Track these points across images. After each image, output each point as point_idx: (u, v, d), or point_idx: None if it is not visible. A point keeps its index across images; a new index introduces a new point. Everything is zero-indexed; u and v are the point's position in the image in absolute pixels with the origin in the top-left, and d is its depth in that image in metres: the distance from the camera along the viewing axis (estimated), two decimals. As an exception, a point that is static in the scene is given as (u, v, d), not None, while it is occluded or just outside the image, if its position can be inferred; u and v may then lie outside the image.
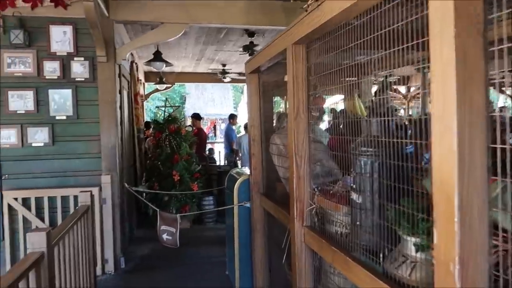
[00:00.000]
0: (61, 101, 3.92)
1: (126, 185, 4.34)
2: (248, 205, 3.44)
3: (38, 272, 1.78)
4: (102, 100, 3.99)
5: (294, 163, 2.13)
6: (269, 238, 3.20)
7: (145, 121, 8.15)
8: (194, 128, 7.54)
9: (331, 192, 2.03)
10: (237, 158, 7.44)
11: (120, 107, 4.44)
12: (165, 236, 3.93)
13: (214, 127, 20.75)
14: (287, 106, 2.24)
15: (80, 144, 3.98)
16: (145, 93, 9.90)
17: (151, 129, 6.68)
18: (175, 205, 5.65)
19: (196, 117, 7.75)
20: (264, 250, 3.27)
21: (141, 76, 9.09)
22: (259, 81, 3.24)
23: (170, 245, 3.83)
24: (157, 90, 9.73)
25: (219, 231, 5.65)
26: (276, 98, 3.15)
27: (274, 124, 3.15)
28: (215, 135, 19.58)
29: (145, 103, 10.06)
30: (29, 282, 1.67)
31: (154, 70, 9.48)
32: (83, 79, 3.95)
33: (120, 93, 4.42)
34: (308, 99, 2.12)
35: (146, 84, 9.94)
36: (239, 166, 7.19)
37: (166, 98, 6.16)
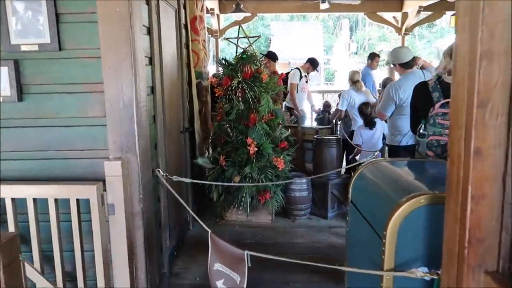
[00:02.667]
0: (27, 15, 2.01)
1: (159, 172, 2.42)
2: (428, 278, 1.28)
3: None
4: (104, 11, 1.99)
5: None
6: None
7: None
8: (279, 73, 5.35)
9: None
10: (338, 122, 5.08)
11: (150, 30, 2.43)
12: (219, 284, 2.01)
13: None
14: None
15: (67, 100, 2.10)
16: (220, 28, 7.88)
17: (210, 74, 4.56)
18: (249, 190, 3.70)
19: (271, 56, 5.38)
20: None
21: (214, 5, 7.03)
22: None
23: (229, 304, 1.94)
24: (235, 23, 7.61)
25: (317, 235, 3.63)
26: None
27: None
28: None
29: (220, 41, 8.09)
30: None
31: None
32: (64, -32, 1.98)
33: (147, 3, 2.39)
34: None
35: (221, 16, 7.89)
36: (340, 132, 4.91)
37: (240, 26, 4.01)
